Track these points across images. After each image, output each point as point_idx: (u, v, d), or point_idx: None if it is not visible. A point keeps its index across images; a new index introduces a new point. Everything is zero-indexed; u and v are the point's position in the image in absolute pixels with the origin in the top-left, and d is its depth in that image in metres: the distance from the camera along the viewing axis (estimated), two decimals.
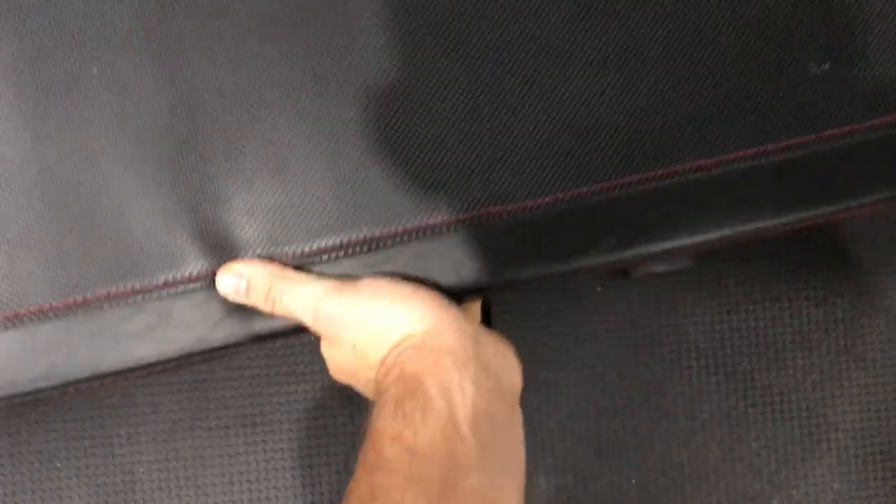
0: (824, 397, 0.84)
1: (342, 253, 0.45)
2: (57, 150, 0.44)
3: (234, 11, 0.45)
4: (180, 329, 0.45)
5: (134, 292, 0.44)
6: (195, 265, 0.45)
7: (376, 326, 0.42)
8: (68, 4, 0.45)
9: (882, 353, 0.84)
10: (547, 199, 0.45)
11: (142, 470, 0.82)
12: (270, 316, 0.45)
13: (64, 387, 0.45)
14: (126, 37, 0.45)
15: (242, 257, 0.45)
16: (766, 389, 0.84)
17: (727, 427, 0.84)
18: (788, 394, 0.84)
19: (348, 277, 0.45)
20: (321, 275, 0.45)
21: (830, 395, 0.84)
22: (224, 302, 0.45)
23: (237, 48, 0.45)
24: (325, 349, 0.45)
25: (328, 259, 0.45)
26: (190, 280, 0.45)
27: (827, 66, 0.46)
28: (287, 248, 0.45)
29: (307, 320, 0.44)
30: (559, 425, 0.83)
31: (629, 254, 0.45)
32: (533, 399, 0.83)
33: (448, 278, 0.45)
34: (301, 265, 0.45)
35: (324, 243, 0.45)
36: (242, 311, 0.45)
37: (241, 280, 0.44)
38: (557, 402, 0.83)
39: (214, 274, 0.45)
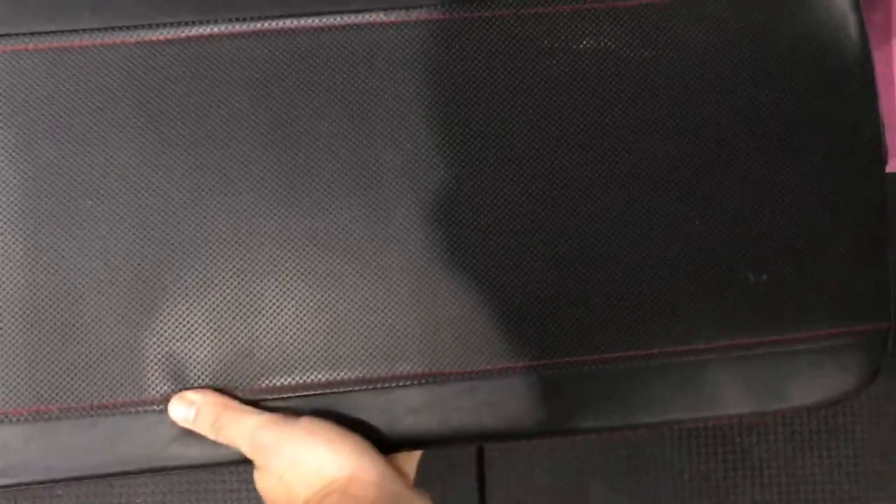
0: (804, 466, 0.84)
1: (292, 394, 0.47)
2: (41, 271, 0.47)
3: (231, 170, 0.48)
4: (130, 447, 0.47)
5: (92, 407, 0.47)
6: (152, 389, 0.47)
7: (305, 461, 0.44)
8: (76, 144, 0.47)
9: (861, 427, 0.84)
10: (491, 367, 0.48)
11: (138, 502, 0.86)
12: (216, 444, 0.47)
13: (17, 486, 0.48)
14: (121, 178, 0.47)
15: (197, 386, 0.47)
16: (747, 454, 0.85)
17: (707, 489, 0.85)
18: (768, 460, 0.84)
19: (292, 413, 0.47)
20: (266, 409, 0.47)
21: (810, 465, 0.84)
22: (174, 426, 0.47)
23: (224, 198, 0.48)
24: (257, 479, 0.47)
25: (277, 398, 0.47)
26: (145, 402, 0.47)
27: (764, 277, 0.48)
28: (242, 383, 0.47)
29: (245, 448, 0.46)
30: (542, 482, 0.85)
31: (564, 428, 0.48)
32: (518, 451, 0.84)
33: (384, 432, 0.48)
34: (254, 400, 0.47)
35: (276, 382, 0.47)
36: (191, 436, 0.47)
37: (191, 408, 0.46)
38: (540, 460, 0.85)
39: (169, 399, 0.47)
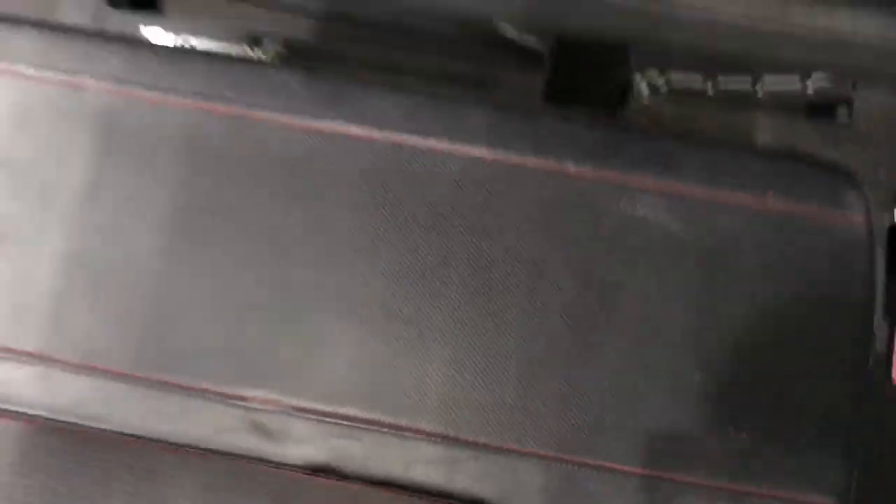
0: None
1: (328, 419, 0.58)
2: (175, 273, 0.60)
3: (338, 241, 0.60)
4: (193, 425, 0.58)
5: (177, 385, 0.59)
6: (224, 384, 0.59)
7: None
8: (224, 191, 0.60)
9: None
10: (500, 445, 0.58)
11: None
12: (260, 439, 0.58)
13: (100, 431, 0.59)
14: (251, 223, 0.60)
15: (268, 394, 0.58)
16: None
17: None
18: None
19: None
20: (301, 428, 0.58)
21: None
22: (231, 418, 0.58)
23: (330, 259, 0.60)
24: None
25: (316, 419, 0.58)
26: (218, 394, 0.59)
27: (744, 434, 0.57)
28: (292, 398, 0.58)
29: None
30: None
31: None
32: None
33: (396, 471, 0.57)
34: (295, 416, 0.58)
35: (318, 406, 0.58)
36: (238, 431, 0.58)
37: None
38: None
39: (238, 396, 0.58)
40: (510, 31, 0.99)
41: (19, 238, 0.60)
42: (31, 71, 0.62)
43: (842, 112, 1.06)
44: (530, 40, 0.94)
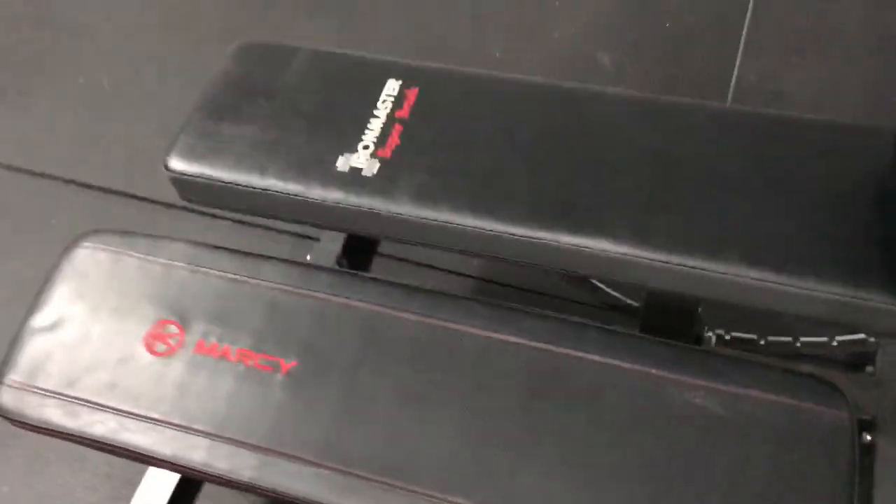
0: None
1: None
2: (418, 424, 0.94)
3: (490, 418, 0.95)
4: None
5: (407, 489, 0.91)
6: (442, 493, 0.90)
7: None
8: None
9: None
10: None
11: None
12: None
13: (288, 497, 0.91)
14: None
15: (464, 500, 0.89)
16: None
17: None
18: None
19: None
20: None
21: None
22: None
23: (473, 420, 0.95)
24: None
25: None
26: (432, 497, 0.91)
27: None
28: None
29: None
30: None
31: None
32: None
33: None
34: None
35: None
36: None
37: None
38: None
39: (446, 500, 0.90)
40: (609, 292, 1.41)
41: (309, 385, 0.98)
42: (322, 295, 1.05)
43: (869, 368, 1.41)
44: (624, 299, 1.36)
